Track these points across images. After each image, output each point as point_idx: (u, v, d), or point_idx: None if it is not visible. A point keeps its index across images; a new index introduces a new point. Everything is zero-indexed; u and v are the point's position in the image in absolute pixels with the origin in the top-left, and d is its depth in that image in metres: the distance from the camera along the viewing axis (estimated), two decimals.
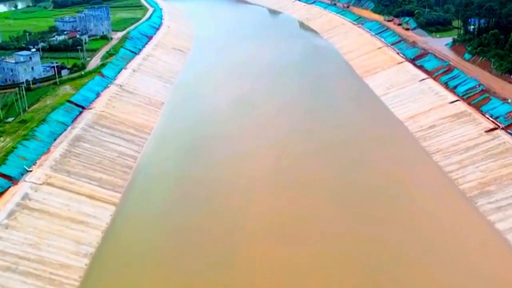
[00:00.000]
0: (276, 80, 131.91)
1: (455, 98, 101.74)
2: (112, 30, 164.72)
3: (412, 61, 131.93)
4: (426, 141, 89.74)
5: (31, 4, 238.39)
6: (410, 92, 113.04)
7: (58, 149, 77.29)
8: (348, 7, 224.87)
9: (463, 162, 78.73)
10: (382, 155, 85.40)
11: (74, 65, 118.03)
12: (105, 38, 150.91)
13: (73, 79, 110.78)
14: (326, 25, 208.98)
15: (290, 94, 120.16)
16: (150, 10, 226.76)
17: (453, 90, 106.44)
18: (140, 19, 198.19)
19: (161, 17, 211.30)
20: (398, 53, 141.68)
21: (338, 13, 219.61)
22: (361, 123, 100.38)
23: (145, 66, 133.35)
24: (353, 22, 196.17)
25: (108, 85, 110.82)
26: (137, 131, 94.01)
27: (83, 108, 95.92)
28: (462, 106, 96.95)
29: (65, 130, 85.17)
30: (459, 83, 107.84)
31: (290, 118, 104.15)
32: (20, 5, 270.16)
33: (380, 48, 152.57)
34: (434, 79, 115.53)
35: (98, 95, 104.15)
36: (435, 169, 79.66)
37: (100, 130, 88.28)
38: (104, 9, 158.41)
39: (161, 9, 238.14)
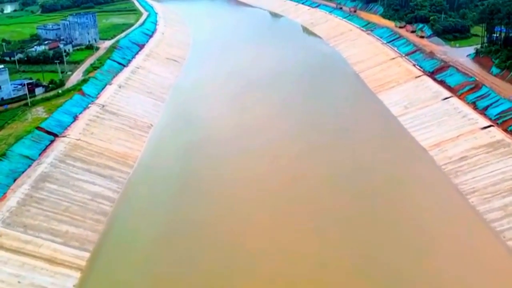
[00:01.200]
0: (280, 96, 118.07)
1: (488, 122, 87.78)
2: (100, 39, 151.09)
3: (432, 75, 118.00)
4: (458, 177, 75.76)
5: (18, 8, 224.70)
6: (432, 113, 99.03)
7: (17, 193, 63.66)
8: (355, 11, 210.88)
9: (509, 208, 64.88)
10: (407, 197, 71.76)
11: (51, 82, 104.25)
12: (91, 48, 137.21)
13: (48, 99, 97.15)
14: (332, 31, 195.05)
15: (295, 114, 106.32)
16: (145, 14, 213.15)
17: (483, 112, 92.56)
18: (132, 24, 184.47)
19: (155, 23, 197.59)
20: (414, 65, 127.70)
21: (344, 18, 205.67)
22: (378, 152, 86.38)
23: (133, 81, 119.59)
24: (362, 28, 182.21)
25: (89, 105, 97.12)
26: (118, 163, 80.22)
27: (55, 136, 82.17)
28: (497, 133, 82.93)
29: (29, 166, 71.54)
30: (490, 104, 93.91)
31: (296, 144, 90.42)
32: (9, 8, 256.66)
33: (393, 58, 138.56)
34: (459, 97, 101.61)
35: (75, 118, 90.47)
36: (474, 218, 65.71)
37: (72, 165, 74.48)
38: (91, 16, 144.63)
39: (156, 13, 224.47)
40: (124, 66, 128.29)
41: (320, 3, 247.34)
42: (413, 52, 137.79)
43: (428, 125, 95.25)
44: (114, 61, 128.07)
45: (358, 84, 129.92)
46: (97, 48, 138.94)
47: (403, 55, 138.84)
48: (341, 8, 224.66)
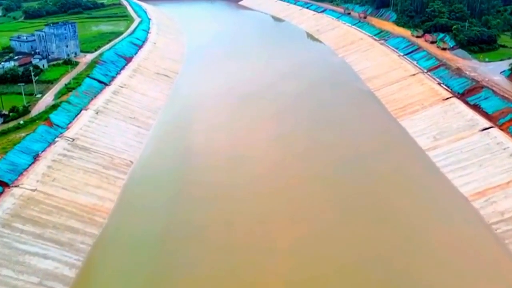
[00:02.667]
0: (285, 122, 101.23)
1: None
2: (82, 51, 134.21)
3: (462, 97, 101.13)
4: None
5: (0, 14, 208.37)
6: (470, 149, 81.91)
7: None
8: (365, 17, 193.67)
9: None
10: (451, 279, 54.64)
11: (13, 109, 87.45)
12: (69, 63, 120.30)
13: (5, 132, 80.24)
14: (340, 39, 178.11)
15: (303, 147, 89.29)
16: (136, 21, 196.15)
17: None
18: (121, 33, 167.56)
19: (147, 30, 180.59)
20: (440, 84, 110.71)
21: (353, 24, 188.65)
22: (405, 202, 69.65)
23: (114, 104, 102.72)
24: (374, 37, 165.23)
25: (55, 140, 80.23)
26: (83, 222, 63.38)
27: (4, 186, 65.21)
28: None
29: None
30: None
31: (307, 192, 73.52)
32: None
33: (414, 75, 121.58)
34: (501, 128, 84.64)
35: (35, 158, 73.50)
36: None
37: (20, 231, 57.66)
38: (70, 26, 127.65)
39: (149, 19, 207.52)
40: (106, 85, 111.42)
41: (326, 7, 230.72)
42: (436, 68, 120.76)
43: (467, 164, 78.16)
44: (94, 79, 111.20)
45: (374, 106, 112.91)
46: (77, 63, 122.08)
47: (425, 70, 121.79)
48: (349, 13, 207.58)
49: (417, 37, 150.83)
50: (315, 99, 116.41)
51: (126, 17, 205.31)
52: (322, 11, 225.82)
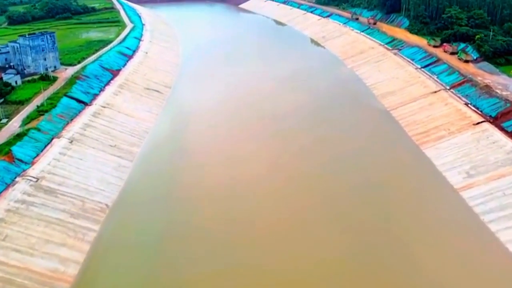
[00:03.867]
0: (287, 149, 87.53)
1: None
2: (63, 64, 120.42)
3: (496, 121, 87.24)
4: None
5: None
6: None
7: None
8: (374, 23, 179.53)
9: None
10: None
11: None
12: (46, 79, 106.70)
13: None
14: (349, 48, 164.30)
15: (312, 184, 75.55)
16: (129, 27, 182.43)
17: None
18: (111, 41, 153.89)
19: (139, 38, 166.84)
20: (467, 105, 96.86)
21: (362, 31, 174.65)
22: (447, 272, 55.65)
23: (93, 129, 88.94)
24: (386, 45, 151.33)
25: (15, 181, 66.60)
26: None
27: None
28: None
29: None
30: None
31: (319, 244, 59.73)
32: None
33: (435, 92, 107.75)
34: None
35: None
36: None
37: None
38: (48, 36, 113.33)
39: (142, 25, 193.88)
40: (86, 104, 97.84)
41: (332, 12, 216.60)
42: (460, 84, 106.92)
43: None
44: (73, 98, 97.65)
45: (392, 129, 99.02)
46: (55, 79, 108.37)
47: (447, 87, 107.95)
48: (357, 19, 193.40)
49: (435, 46, 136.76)
50: (323, 121, 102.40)
51: (118, 23, 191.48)
52: (328, 16, 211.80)
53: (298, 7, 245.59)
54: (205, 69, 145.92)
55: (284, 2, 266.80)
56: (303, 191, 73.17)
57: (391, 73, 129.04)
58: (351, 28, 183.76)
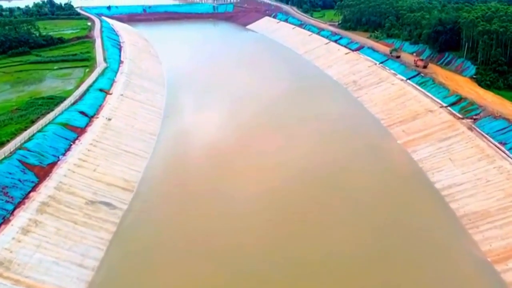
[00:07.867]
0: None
1: None
2: None
3: None
4: None
5: None
6: None
7: None
8: (425, 66, 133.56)
9: None
10: None
11: None
12: None
13: None
14: (393, 106, 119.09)
15: None
16: (99, 68, 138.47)
17: None
18: (64, 98, 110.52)
19: (108, 88, 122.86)
20: None
21: (409, 78, 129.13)
22: None
23: None
24: (451, 109, 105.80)
25: None
26: None
27: None
28: None
29: None
30: None
31: None
32: None
33: None
34: None
35: None
36: None
37: None
38: None
39: (120, 62, 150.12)
40: None
41: (362, 43, 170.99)
42: None
43: None
44: None
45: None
46: None
47: None
48: (398, 56, 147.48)
49: None
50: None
51: (87, 61, 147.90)
52: (358, 49, 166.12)
53: (318, 33, 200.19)
54: (196, 132, 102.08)
55: (301, 25, 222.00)
56: None
57: (471, 168, 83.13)
58: (393, 71, 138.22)
